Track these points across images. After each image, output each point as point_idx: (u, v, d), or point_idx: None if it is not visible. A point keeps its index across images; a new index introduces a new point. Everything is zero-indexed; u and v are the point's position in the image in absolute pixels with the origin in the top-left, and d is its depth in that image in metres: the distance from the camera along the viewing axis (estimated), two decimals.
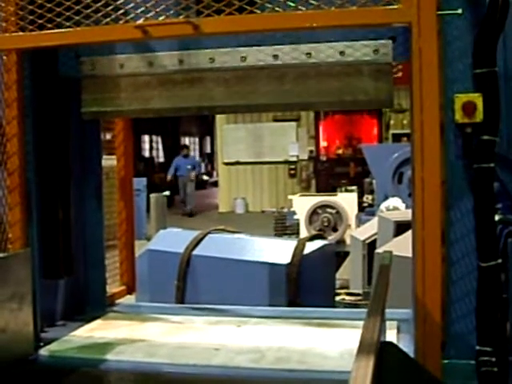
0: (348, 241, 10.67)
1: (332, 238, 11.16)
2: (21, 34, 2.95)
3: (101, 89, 3.43)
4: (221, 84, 3.28)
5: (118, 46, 3.35)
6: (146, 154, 32.50)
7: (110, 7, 2.88)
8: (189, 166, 21.82)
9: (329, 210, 12.56)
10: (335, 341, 3.19)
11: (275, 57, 3.17)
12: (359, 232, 8.69)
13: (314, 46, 3.13)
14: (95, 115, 3.57)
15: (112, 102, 3.44)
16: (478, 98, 2.65)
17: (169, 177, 22.01)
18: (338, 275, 7.38)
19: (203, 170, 35.21)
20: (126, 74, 3.36)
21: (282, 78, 3.21)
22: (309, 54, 3.14)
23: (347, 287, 8.07)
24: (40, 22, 2.90)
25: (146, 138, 32.39)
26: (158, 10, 2.81)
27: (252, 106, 3.37)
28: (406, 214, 6.74)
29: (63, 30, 2.86)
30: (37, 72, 3.32)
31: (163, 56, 3.30)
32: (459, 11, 2.62)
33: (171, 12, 2.81)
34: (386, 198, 10.57)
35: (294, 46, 3.15)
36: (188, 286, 5.11)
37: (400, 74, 3.97)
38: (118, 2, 2.91)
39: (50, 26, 2.89)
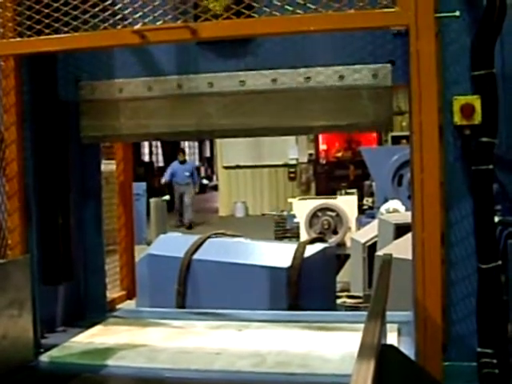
0: (348, 243, 10.66)
1: (332, 240, 11.13)
2: (18, 39, 2.95)
3: (100, 113, 3.46)
4: (220, 108, 3.30)
5: (117, 70, 3.37)
6: (146, 158, 32.50)
7: (108, 12, 2.89)
8: (187, 173, 19.52)
9: (329, 212, 12.54)
10: (336, 344, 3.18)
11: (274, 81, 3.18)
12: (359, 235, 8.68)
13: (312, 69, 3.14)
14: (94, 139, 3.59)
15: (111, 127, 3.46)
16: (476, 100, 2.65)
17: (163, 180, 19.92)
18: (338, 278, 7.37)
19: (203, 173, 35.11)
20: (125, 98, 3.38)
21: (281, 101, 3.22)
22: (308, 78, 3.15)
23: (348, 290, 8.06)
24: (38, 27, 2.90)
25: (146, 142, 32.39)
26: (155, 15, 2.81)
27: (251, 130, 3.39)
28: (405, 216, 6.73)
29: (61, 35, 2.85)
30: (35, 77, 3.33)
31: (162, 80, 3.32)
32: (457, 13, 2.62)
33: (169, 17, 2.81)
34: (386, 200, 10.57)
35: (292, 70, 3.16)
36: (188, 290, 5.10)
37: None
38: (116, 8, 2.91)
39: (47, 31, 2.90)
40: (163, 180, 19.97)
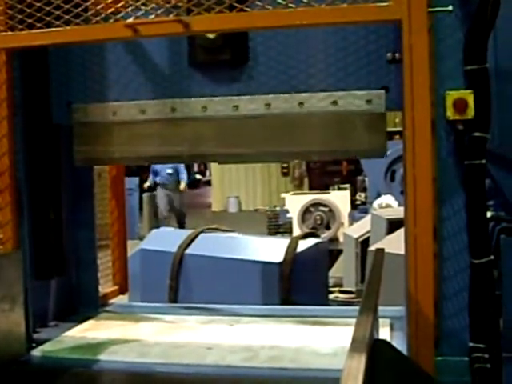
0: (341, 239, 10.68)
1: (325, 235, 11.14)
2: (10, 33, 2.94)
3: (93, 136, 3.45)
4: (213, 133, 3.30)
5: (110, 93, 3.37)
6: None
7: (101, 6, 2.87)
8: (170, 171, 15.75)
9: (322, 208, 12.56)
10: (328, 339, 3.18)
11: (268, 106, 3.18)
12: (352, 230, 8.70)
13: (306, 95, 3.14)
14: (87, 162, 3.60)
15: (104, 149, 3.46)
16: (469, 95, 2.65)
17: (147, 184, 16.38)
18: (331, 273, 7.40)
19: (196, 168, 35.04)
20: (118, 121, 3.37)
21: (274, 127, 3.22)
22: (301, 104, 3.15)
23: (340, 285, 8.08)
24: (29, 21, 2.88)
25: None
26: (148, 8, 2.80)
27: (244, 155, 3.38)
28: (398, 211, 6.74)
29: (52, 29, 2.84)
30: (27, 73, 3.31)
31: (156, 104, 3.32)
32: (450, 8, 2.61)
33: (162, 11, 2.80)
34: (379, 195, 10.59)
35: (286, 96, 3.16)
36: (181, 285, 5.11)
37: None
38: (109, 1, 2.90)
39: (39, 25, 2.88)
40: (147, 184, 16.60)
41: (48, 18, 2.86)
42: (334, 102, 3.11)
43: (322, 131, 3.19)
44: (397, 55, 2.95)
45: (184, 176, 16.37)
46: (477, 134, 2.64)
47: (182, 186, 16.15)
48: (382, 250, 3.10)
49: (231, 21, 2.74)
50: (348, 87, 3.10)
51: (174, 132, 3.34)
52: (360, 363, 1.39)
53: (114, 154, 3.46)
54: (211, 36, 3.11)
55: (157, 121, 3.32)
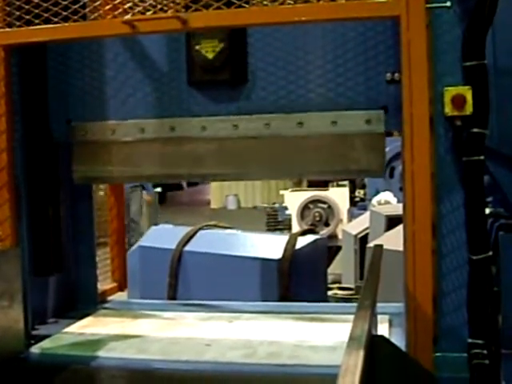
0: (340, 235, 10.67)
1: (324, 232, 11.13)
2: (8, 29, 2.93)
3: (92, 154, 3.46)
4: (212, 152, 3.30)
5: (110, 112, 3.38)
6: None
7: (98, 2, 2.88)
8: None
9: (320, 204, 12.54)
10: (327, 335, 3.18)
11: (267, 125, 3.19)
12: (351, 226, 8.70)
13: (305, 115, 3.15)
14: (87, 180, 3.60)
15: (103, 168, 3.47)
16: (467, 91, 2.64)
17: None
18: (330, 270, 7.40)
19: None
20: (117, 140, 3.38)
21: (273, 146, 3.23)
22: (300, 124, 3.15)
23: (339, 282, 8.09)
24: (27, 17, 2.88)
25: None
26: (145, 4, 2.80)
27: (243, 174, 3.40)
28: (397, 208, 6.74)
29: (50, 25, 2.84)
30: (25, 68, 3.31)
31: (155, 123, 3.32)
32: (448, 4, 2.61)
33: (159, 7, 2.80)
34: (378, 192, 10.57)
35: (285, 115, 3.17)
36: (180, 282, 5.11)
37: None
38: None
39: (37, 21, 2.88)
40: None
41: (46, 15, 2.86)
42: (334, 122, 3.12)
43: (321, 151, 3.20)
44: (396, 75, 2.97)
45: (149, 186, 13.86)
46: (475, 130, 2.64)
47: (145, 196, 13.76)
48: (381, 246, 3.10)
49: (229, 17, 2.74)
50: (347, 107, 3.11)
51: (173, 151, 3.35)
52: (358, 358, 1.39)
53: (113, 172, 3.47)
54: (210, 56, 3.12)
55: (156, 140, 3.34)
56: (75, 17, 2.84)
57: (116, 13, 2.82)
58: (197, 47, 3.13)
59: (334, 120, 3.11)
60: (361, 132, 3.10)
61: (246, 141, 3.23)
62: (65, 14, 2.84)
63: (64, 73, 3.42)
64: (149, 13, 2.78)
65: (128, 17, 2.74)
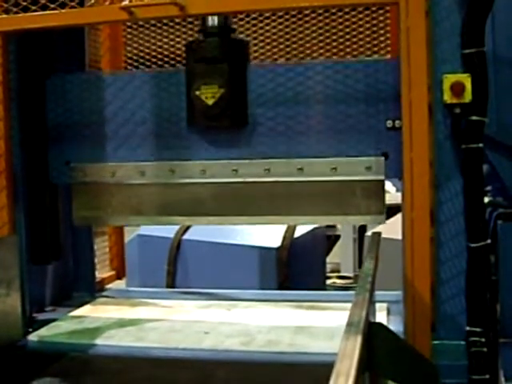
0: (339, 224, 10.66)
1: None
2: (4, 16, 2.92)
3: (92, 196, 3.47)
4: (212, 196, 3.31)
5: (109, 155, 3.37)
6: None
7: None
8: None
9: None
10: (326, 323, 3.18)
11: (267, 171, 3.19)
12: None
13: (306, 160, 3.15)
14: (86, 221, 3.61)
15: (103, 210, 3.48)
16: (466, 79, 2.63)
17: None
18: (328, 259, 7.40)
19: None
20: (117, 182, 3.38)
21: (273, 191, 3.23)
22: (301, 169, 3.15)
23: (338, 271, 8.09)
24: (24, 4, 2.87)
25: None
26: None
27: (243, 219, 3.40)
28: (396, 197, 6.71)
29: (47, 12, 2.83)
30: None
31: (155, 165, 3.32)
32: None
33: None
34: None
35: (285, 161, 3.17)
36: (178, 270, 5.11)
37: (389, 56, 3.96)
38: None
39: (34, 8, 2.87)
40: None
41: (43, 1, 2.85)
42: (334, 169, 3.12)
43: (321, 197, 3.20)
44: (397, 123, 2.96)
45: None
46: (474, 117, 2.63)
47: None
48: (379, 233, 3.10)
49: (228, 3, 2.72)
50: (348, 153, 3.10)
51: (173, 194, 3.36)
52: (355, 344, 1.39)
53: (113, 214, 3.48)
54: (210, 102, 3.11)
55: (155, 183, 3.35)
56: (72, 3, 2.83)
57: None
58: (197, 92, 3.13)
59: (334, 166, 3.12)
60: (361, 178, 3.11)
61: (245, 185, 3.24)
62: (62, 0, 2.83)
63: (63, 113, 3.42)
64: None
65: (125, 2, 2.72)
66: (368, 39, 3.88)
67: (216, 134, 3.25)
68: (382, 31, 3.84)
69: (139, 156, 3.35)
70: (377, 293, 2.53)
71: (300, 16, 3.91)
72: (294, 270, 4.81)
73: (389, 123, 3.03)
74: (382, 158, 3.07)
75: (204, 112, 3.17)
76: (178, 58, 4.25)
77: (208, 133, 3.25)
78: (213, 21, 3.16)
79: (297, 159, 3.16)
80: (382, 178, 3.09)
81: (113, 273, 4.33)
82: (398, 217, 4.29)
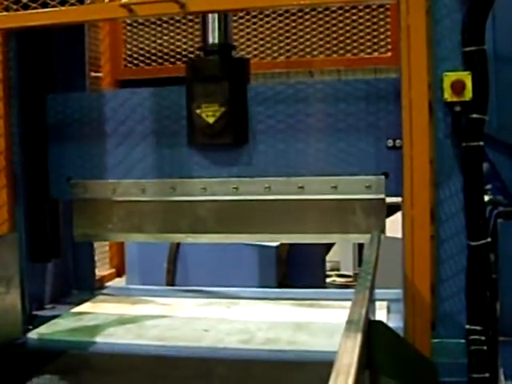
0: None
1: None
2: (5, 13, 2.91)
3: (92, 212, 3.48)
4: (212, 213, 3.31)
5: (109, 172, 3.39)
6: None
7: None
8: None
9: None
10: (325, 321, 3.18)
11: (267, 188, 3.20)
12: None
13: (306, 179, 3.16)
14: (87, 237, 3.61)
15: (104, 226, 3.48)
16: (467, 77, 2.62)
17: None
18: (328, 257, 7.40)
19: None
20: (118, 199, 3.40)
21: (273, 210, 3.23)
22: (301, 188, 3.16)
23: (338, 269, 8.09)
24: (25, 1, 2.87)
25: None
26: None
27: (244, 237, 3.40)
28: None
29: (48, 9, 2.82)
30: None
31: (156, 183, 3.34)
32: None
33: None
34: None
35: (286, 179, 3.18)
36: (178, 268, 5.11)
37: (389, 54, 3.96)
38: None
39: (34, 5, 2.87)
40: None
41: None
42: (334, 187, 3.13)
43: (321, 215, 3.20)
44: (397, 142, 2.96)
45: None
46: (474, 115, 2.62)
47: None
48: (379, 232, 3.09)
49: (228, 0, 2.72)
50: (348, 172, 3.11)
51: (174, 211, 3.36)
52: (355, 341, 1.39)
53: (114, 230, 3.49)
54: (211, 121, 3.11)
55: (156, 200, 3.36)
56: (72, 0, 2.83)
57: None
58: (197, 111, 3.13)
59: (335, 185, 3.13)
60: (361, 197, 3.11)
61: (246, 203, 3.25)
62: None
63: (62, 129, 3.43)
64: None
65: (125, 0, 2.72)
66: (368, 37, 3.88)
67: (216, 152, 3.25)
68: (382, 29, 3.85)
69: (140, 173, 3.36)
70: (377, 291, 2.53)
71: (300, 14, 3.92)
72: (294, 268, 4.81)
73: (389, 142, 3.04)
74: (383, 177, 3.08)
75: (204, 130, 3.17)
76: (178, 56, 4.25)
77: (208, 150, 3.26)
78: (213, 39, 3.17)
79: (297, 177, 3.18)
80: (382, 196, 3.10)
81: (113, 270, 4.33)
82: (398, 215, 4.29)
